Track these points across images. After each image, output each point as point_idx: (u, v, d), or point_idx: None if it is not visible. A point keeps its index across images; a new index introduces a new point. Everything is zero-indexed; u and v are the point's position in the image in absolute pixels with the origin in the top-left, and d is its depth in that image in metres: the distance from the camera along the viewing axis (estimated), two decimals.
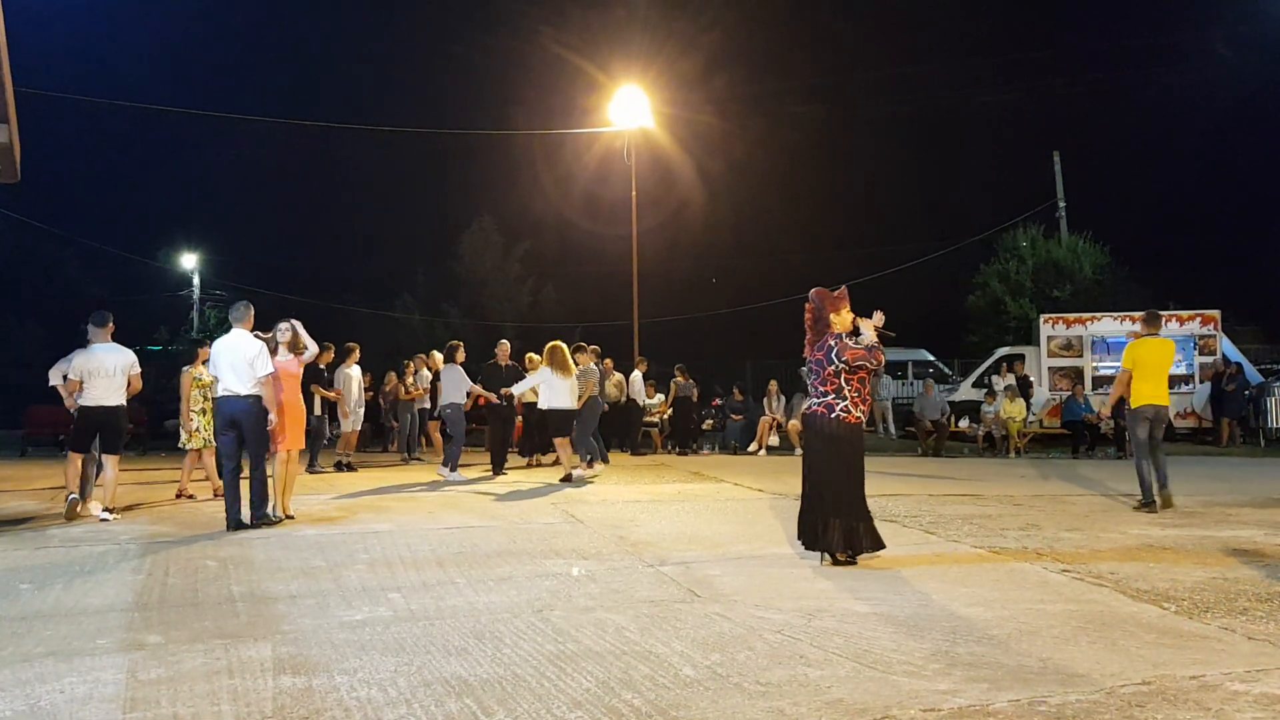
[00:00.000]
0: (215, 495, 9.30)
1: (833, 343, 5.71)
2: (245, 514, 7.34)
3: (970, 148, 51.37)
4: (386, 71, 62.00)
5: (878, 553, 5.72)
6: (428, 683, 3.46)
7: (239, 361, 7.35)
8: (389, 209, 53.00)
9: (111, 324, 8.10)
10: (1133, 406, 8.37)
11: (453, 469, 11.27)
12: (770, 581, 5.28)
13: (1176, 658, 3.74)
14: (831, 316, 5.82)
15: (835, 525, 5.62)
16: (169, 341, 34.09)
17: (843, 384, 5.71)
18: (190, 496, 9.42)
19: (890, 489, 10.11)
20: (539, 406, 11.60)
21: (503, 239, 34.14)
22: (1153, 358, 8.31)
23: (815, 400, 5.81)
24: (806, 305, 5.94)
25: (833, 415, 5.71)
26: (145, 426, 17.32)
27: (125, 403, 8.06)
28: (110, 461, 7.96)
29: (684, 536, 6.85)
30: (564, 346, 11.34)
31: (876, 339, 5.79)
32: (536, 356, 12.39)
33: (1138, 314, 18.71)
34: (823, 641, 3.99)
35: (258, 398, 7.40)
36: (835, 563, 5.68)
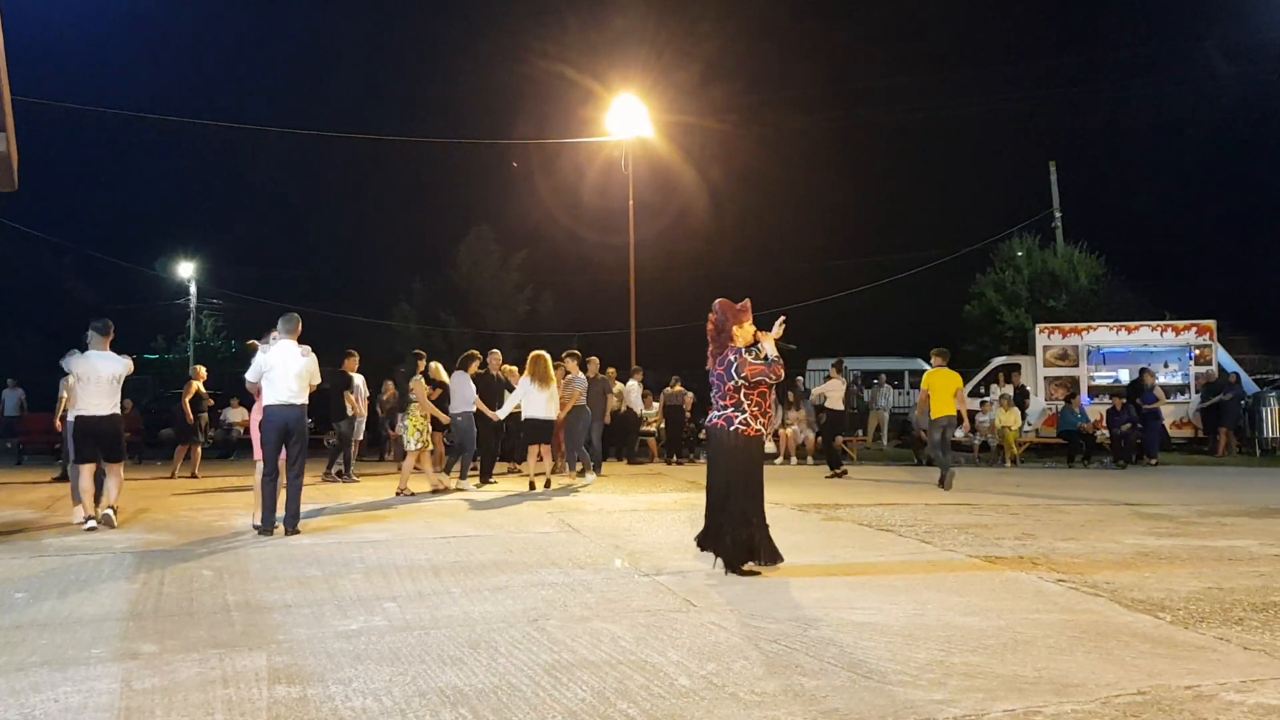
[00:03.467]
0: (434, 491, 10.60)
1: (733, 357, 5.71)
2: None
3: (966, 158, 51.66)
4: (384, 81, 62.19)
5: (776, 565, 5.68)
6: (423, 692, 3.46)
7: (299, 372, 7.52)
8: (387, 218, 53.15)
9: (112, 333, 8.05)
10: (932, 418, 11.61)
11: (461, 476, 11.34)
12: (766, 591, 5.28)
13: (1172, 668, 3.75)
14: (734, 329, 5.81)
15: (733, 536, 5.60)
16: (165, 350, 34.08)
17: (742, 398, 5.71)
18: (411, 494, 10.31)
19: (886, 498, 10.12)
20: (522, 416, 11.49)
21: (500, 248, 34.21)
22: (944, 384, 11.52)
23: (715, 413, 5.81)
24: (710, 315, 5.91)
25: (731, 428, 5.70)
26: (140, 435, 17.31)
27: (119, 411, 8.05)
28: (112, 469, 7.95)
29: (680, 546, 6.83)
30: (546, 357, 11.36)
31: (777, 353, 5.80)
32: (510, 367, 12.42)
33: (1133, 324, 18.92)
34: (818, 651, 3.99)
35: (306, 405, 7.65)
36: (728, 572, 5.62)
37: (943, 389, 11.45)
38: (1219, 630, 4.34)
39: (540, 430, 11.29)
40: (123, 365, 8.05)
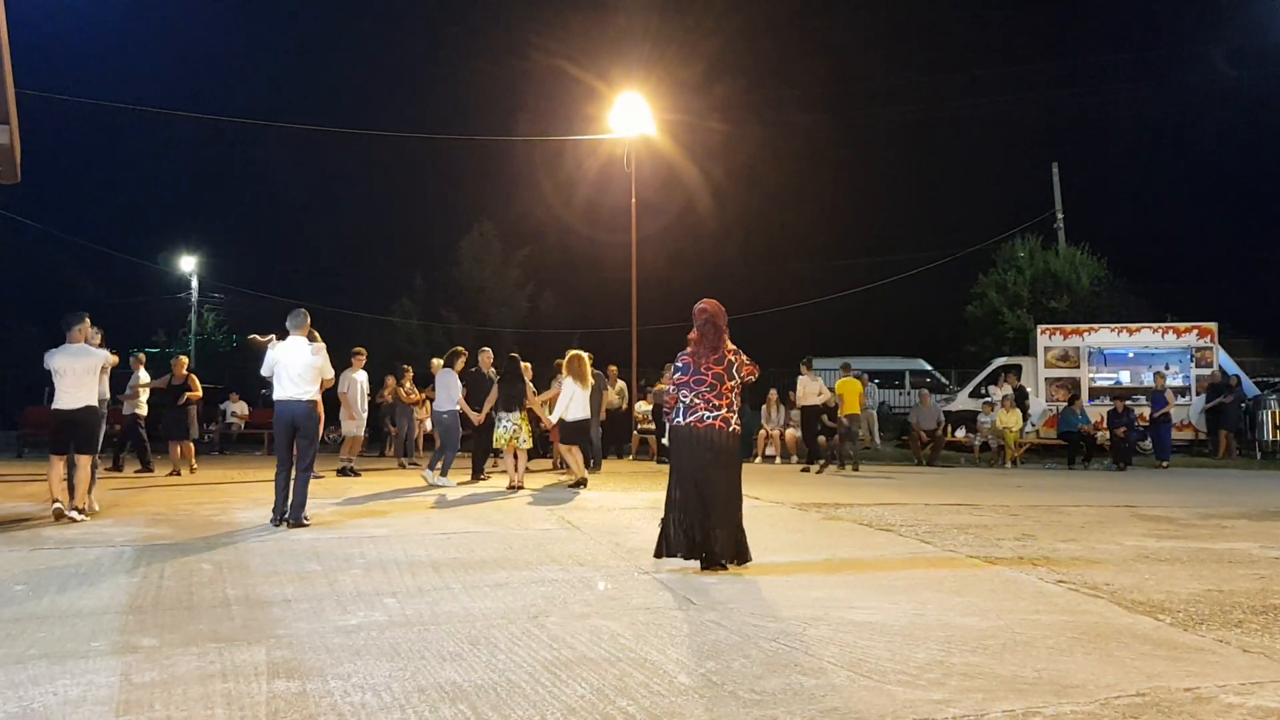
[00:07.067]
0: (511, 488, 10.67)
1: (733, 358, 5.76)
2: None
3: (969, 158, 51.62)
4: (389, 77, 62.15)
5: (749, 563, 5.75)
6: (422, 688, 3.46)
7: (303, 368, 7.75)
8: (389, 214, 53.17)
9: (82, 327, 8.10)
10: (841, 414, 14.46)
11: (443, 473, 11.34)
12: (766, 590, 5.27)
13: (1171, 670, 3.74)
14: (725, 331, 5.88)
15: (721, 535, 5.67)
16: (166, 344, 34.08)
17: (733, 399, 5.79)
18: (521, 487, 10.73)
19: (886, 498, 10.12)
20: (559, 417, 11.54)
21: (502, 244, 34.12)
22: (851, 390, 14.39)
23: (709, 414, 5.75)
24: (700, 313, 5.94)
25: (729, 429, 5.75)
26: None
27: (94, 404, 8.09)
28: (82, 462, 8.05)
29: None
30: (584, 357, 11.45)
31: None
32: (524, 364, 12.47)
33: (1135, 325, 18.94)
34: (818, 650, 3.99)
35: (315, 402, 7.81)
36: (724, 569, 5.63)
37: (849, 393, 14.29)
38: (1219, 632, 4.34)
39: (579, 430, 11.43)
40: (96, 359, 8.13)
